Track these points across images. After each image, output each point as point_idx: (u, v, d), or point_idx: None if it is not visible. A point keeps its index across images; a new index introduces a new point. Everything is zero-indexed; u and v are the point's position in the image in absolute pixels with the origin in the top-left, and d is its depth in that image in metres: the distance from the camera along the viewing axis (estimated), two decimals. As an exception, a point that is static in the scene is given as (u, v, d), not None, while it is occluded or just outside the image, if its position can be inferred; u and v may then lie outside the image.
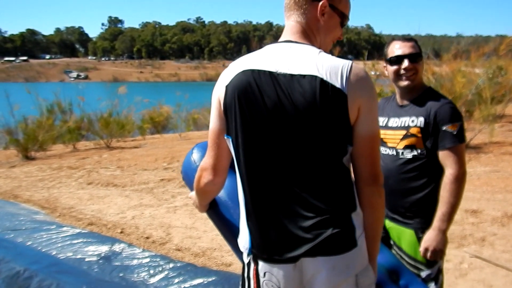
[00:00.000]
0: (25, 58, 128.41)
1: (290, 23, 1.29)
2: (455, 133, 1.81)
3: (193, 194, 1.60)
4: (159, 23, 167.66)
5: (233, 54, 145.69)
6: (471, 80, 7.48)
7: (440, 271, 1.93)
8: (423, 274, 1.90)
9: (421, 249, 1.84)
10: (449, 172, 1.81)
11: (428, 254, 1.82)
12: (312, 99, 1.14)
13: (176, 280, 2.86)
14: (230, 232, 1.60)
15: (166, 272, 3.01)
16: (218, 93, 1.28)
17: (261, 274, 1.24)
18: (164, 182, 6.63)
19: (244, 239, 1.29)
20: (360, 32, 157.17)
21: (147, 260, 3.26)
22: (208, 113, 15.41)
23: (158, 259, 3.28)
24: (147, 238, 4.18)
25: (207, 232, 4.27)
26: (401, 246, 1.96)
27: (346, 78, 1.15)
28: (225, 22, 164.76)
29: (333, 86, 1.14)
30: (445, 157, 1.83)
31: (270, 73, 1.20)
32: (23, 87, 11.99)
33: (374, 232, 1.27)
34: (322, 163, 1.18)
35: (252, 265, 1.26)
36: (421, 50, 1.97)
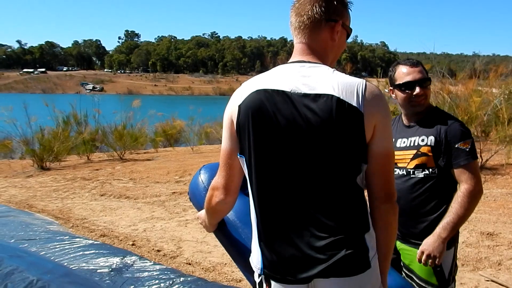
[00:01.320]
0: (43, 70, 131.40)
1: (301, 45, 1.29)
2: (468, 150, 1.83)
3: (201, 213, 1.61)
4: (175, 37, 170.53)
5: (246, 69, 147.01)
6: (487, 100, 7.41)
7: None
8: None
9: (418, 252, 1.84)
10: (464, 187, 1.82)
11: (423, 258, 1.82)
12: (328, 118, 1.15)
13: (187, 295, 2.85)
14: (238, 252, 1.59)
15: (176, 286, 3.01)
16: (231, 113, 1.29)
17: None
18: (176, 195, 6.66)
19: (256, 259, 1.29)
20: (374, 50, 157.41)
21: (158, 273, 3.26)
22: (221, 127, 15.52)
23: (168, 273, 3.28)
24: (158, 251, 4.18)
25: (218, 247, 4.25)
26: (412, 268, 1.94)
27: (362, 96, 1.16)
28: (240, 37, 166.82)
29: (349, 105, 1.15)
30: (461, 174, 1.84)
31: (284, 92, 1.20)
32: (40, 98, 12.28)
33: (387, 249, 1.27)
34: (335, 182, 1.18)
35: (264, 285, 1.25)
36: (427, 72, 2.00)
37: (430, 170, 1.90)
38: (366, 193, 1.27)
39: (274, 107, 1.20)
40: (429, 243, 1.81)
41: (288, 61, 1.30)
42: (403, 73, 1.96)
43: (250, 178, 1.27)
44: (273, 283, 1.23)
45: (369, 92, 1.17)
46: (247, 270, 1.53)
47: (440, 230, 1.80)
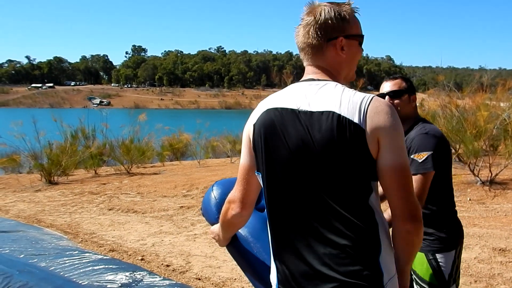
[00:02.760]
0: (51, 84, 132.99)
1: (311, 67, 1.31)
2: (420, 161, 1.88)
3: (214, 228, 1.63)
4: (181, 51, 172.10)
5: (252, 82, 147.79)
6: (496, 114, 7.38)
7: None
8: None
9: None
10: None
11: None
12: (330, 136, 1.16)
13: (198, 311, 2.83)
14: (250, 266, 1.61)
15: (187, 302, 2.99)
16: (248, 131, 1.34)
17: None
18: (184, 210, 6.65)
19: (273, 275, 1.31)
20: (380, 63, 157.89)
21: (168, 289, 3.25)
22: (227, 141, 15.61)
23: (178, 288, 3.27)
24: (168, 266, 4.17)
25: (227, 262, 4.23)
26: (415, 269, 1.98)
27: (364, 112, 1.15)
28: (246, 51, 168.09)
29: (350, 121, 1.14)
30: None
31: (292, 110, 1.23)
32: (48, 113, 12.41)
33: (403, 267, 1.24)
34: (343, 201, 1.17)
35: None
36: (409, 87, 2.08)
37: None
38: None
39: (283, 126, 1.23)
40: None
41: (300, 80, 1.33)
42: (382, 87, 2.12)
43: (264, 195, 1.31)
44: None
45: (373, 106, 1.16)
46: (258, 283, 1.55)
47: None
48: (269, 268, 1.38)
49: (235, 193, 1.39)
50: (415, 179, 1.84)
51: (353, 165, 1.16)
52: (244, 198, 1.37)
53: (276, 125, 1.24)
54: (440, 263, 1.91)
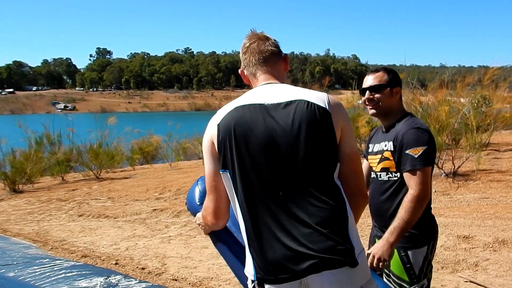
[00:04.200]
0: (11, 90, 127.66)
1: (264, 75, 1.50)
2: (416, 156, 1.87)
3: (199, 216, 1.68)
4: (148, 53, 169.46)
5: (221, 83, 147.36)
6: (457, 109, 7.71)
7: None
8: None
9: (370, 255, 1.88)
10: (409, 192, 1.88)
11: (374, 262, 1.87)
12: (301, 118, 1.31)
13: (176, 311, 2.83)
14: (232, 253, 1.66)
15: (164, 303, 2.98)
16: (210, 135, 1.41)
17: None
18: (157, 212, 6.59)
19: (249, 266, 1.34)
20: (346, 62, 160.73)
21: (145, 291, 3.23)
22: (198, 142, 15.50)
23: (155, 290, 3.25)
24: (143, 269, 4.13)
25: (203, 262, 4.24)
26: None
27: (328, 102, 1.36)
28: (214, 52, 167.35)
29: (318, 106, 1.33)
30: (408, 179, 1.91)
31: (260, 105, 1.37)
32: (9, 119, 11.95)
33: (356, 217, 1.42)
34: (316, 179, 1.29)
35: None
36: (391, 79, 2.05)
37: (393, 173, 1.99)
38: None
39: (252, 119, 1.35)
40: (378, 247, 1.88)
41: (257, 86, 1.50)
42: (364, 81, 2.11)
43: (235, 188, 1.36)
44: (266, 286, 1.28)
45: (332, 99, 1.39)
46: (238, 269, 1.59)
47: (388, 235, 1.87)
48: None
49: (208, 204, 1.48)
50: (414, 175, 1.86)
51: (322, 145, 1.31)
52: (216, 209, 1.46)
53: (245, 119, 1.35)
54: (411, 260, 1.95)
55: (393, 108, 2.06)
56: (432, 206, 2.07)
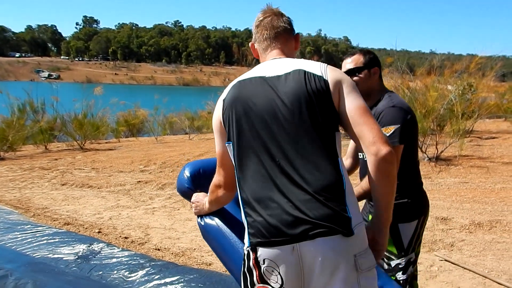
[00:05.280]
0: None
1: (274, 50, 1.53)
2: (388, 135, 1.85)
3: (199, 197, 1.76)
4: (136, 25, 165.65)
5: (211, 59, 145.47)
6: (443, 95, 7.80)
7: (410, 263, 2.01)
8: (393, 263, 2.00)
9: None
10: None
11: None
12: (299, 86, 1.34)
13: (157, 277, 2.87)
14: (226, 245, 1.70)
15: (146, 270, 3.01)
16: (217, 112, 1.47)
17: (260, 261, 1.26)
18: (141, 184, 6.59)
19: (245, 233, 1.33)
20: (337, 44, 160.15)
21: (127, 259, 3.25)
22: (185, 117, 15.40)
23: (138, 258, 3.28)
24: (126, 238, 4.15)
25: (186, 233, 4.28)
26: None
27: (325, 70, 1.38)
28: (204, 27, 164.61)
29: (315, 74, 1.36)
30: None
31: (260, 77, 1.41)
32: (-8, 86, 11.64)
33: (385, 202, 1.35)
34: (314, 147, 1.29)
35: (252, 255, 1.28)
36: (368, 61, 2.03)
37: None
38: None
39: (253, 90, 1.39)
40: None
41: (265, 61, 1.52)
42: (343, 64, 2.09)
43: (234, 157, 1.40)
44: (259, 249, 1.26)
45: (330, 67, 1.41)
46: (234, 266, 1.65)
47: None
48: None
49: (219, 178, 1.53)
50: None
51: (319, 112, 1.32)
52: (227, 182, 1.51)
53: (247, 92, 1.39)
54: (401, 232, 1.96)
55: (373, 88, 2.05)
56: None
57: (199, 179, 1.86)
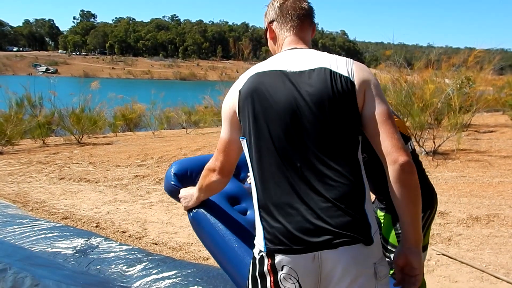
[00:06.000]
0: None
1: (293, 36, 1.44)
2: None
3: (186, 191, 1.73)
4: (133, 19, 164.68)
5: (208, 53, 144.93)
6: (441, 89, 7.79)
7: None
8: (392, 256, 2.00)
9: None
10: None
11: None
12: (323, 87, 1.25)
13: (155, 271, 2.88)
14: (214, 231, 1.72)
15: (144, 265, 3.02)
16: (232, 101, 1.37)
17: (278, 268, 1.21)
18: (139, 179, 6.58)
19: (259, 237, 1.28)
20: (335, 38, 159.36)
21: (125, 253, 3.26)
22: (183, 112, 15.37)
23: (135, 252, 3.28)
24: (123, 232, 4.15)
25: (184, 228, 4.29)
26: (381, 231, 2.02)
27: (351, 69, 1.28)
28: (201, 21, 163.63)
29: (341, 75, 1.27)
30: None
31: (281, 71, 1.31)
32: (-12, 80, 11.59)
33: (410, 216, 1.27)
34: (335, 154, 1.23)
35: (267, 260, 1.23)
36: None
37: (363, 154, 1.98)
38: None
39: (272, 86, 1.29)
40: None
41: (283, 50, 1.43)
42: None
43: (250, 156, 1.32)
44: (277, 256, 1.22)
45: (356, 64, 1.31)
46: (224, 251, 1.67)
47: None
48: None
49: (215, 162, 1.48)
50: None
51: (343, 115, 1.25)
52: (223, 167, 1.47)
53: (265, 85, 1.29)
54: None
55: None
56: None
57: (186, 178, 1.85)
